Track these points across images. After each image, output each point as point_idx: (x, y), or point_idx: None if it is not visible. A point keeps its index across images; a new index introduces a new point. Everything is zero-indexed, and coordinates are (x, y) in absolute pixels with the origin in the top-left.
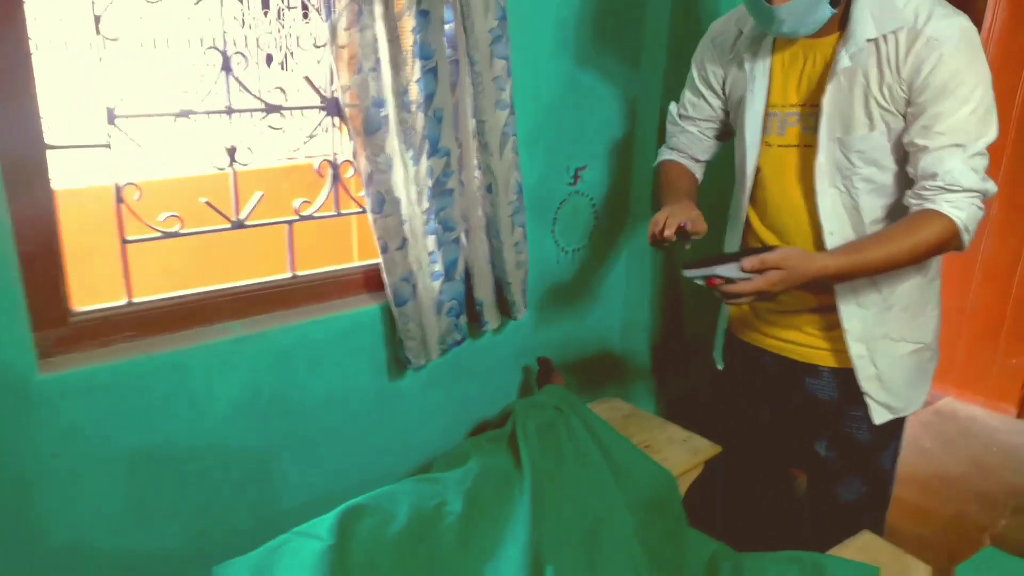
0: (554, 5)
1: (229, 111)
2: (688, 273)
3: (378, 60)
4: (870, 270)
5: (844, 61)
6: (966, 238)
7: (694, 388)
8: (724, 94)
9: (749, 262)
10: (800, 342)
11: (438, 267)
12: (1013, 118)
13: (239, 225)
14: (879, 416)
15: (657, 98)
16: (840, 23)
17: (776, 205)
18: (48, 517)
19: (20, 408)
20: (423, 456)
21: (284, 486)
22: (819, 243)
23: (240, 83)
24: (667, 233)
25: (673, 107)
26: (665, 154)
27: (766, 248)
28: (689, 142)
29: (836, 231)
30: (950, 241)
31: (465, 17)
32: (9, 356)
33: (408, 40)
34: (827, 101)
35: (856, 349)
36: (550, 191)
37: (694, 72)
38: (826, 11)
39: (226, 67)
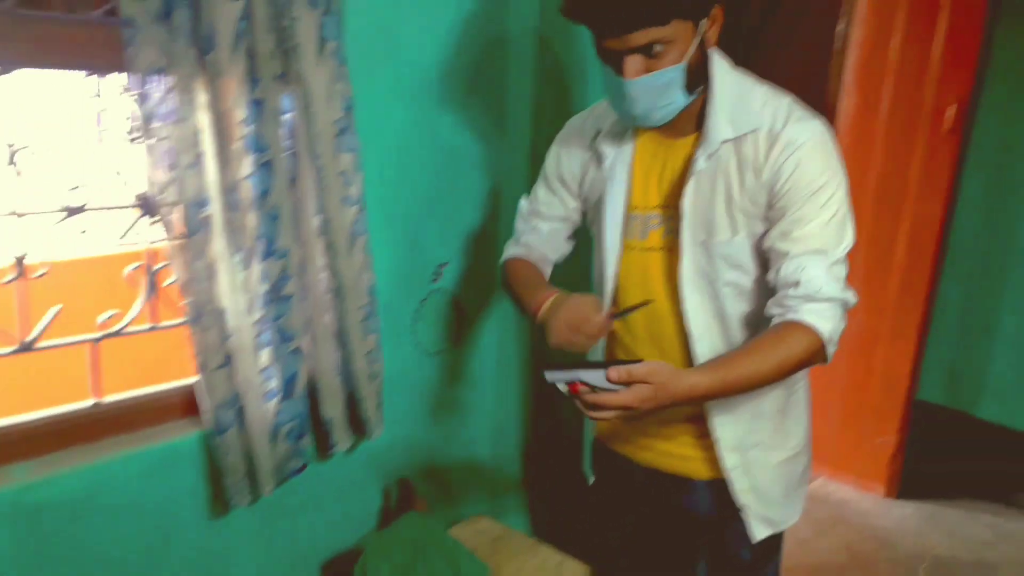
0: (407, 92)
1: (16, 214)
2: (550, 376)
3: (200, 155)
4: (739, 389)
5: (700, 163)
6: (831, 350)
7: (569, 500)
8: (580, 194)
9: (616, 372)
10: (672, 452)
11: (274, 384)
12: (869, 189)
13: (27, 347)
14: (759, 531)
15: (521, 187)
16: (697, 123)
17: (637, 321)
18: None
19: None
20: None
21: None
22: (686, 351)
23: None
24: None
25: (523, 203)
26: (512, 250)
27: (634, 360)
28: (540, 241)
29: (704, 337)
30: (816, 355)
31: (306, 107)
32: None
33: (238, 132)
34: (687, 204)
35: (730, 460)
36: (409, 289)
37: (549, 168)
38: (679, 97)
39: (11, 160)
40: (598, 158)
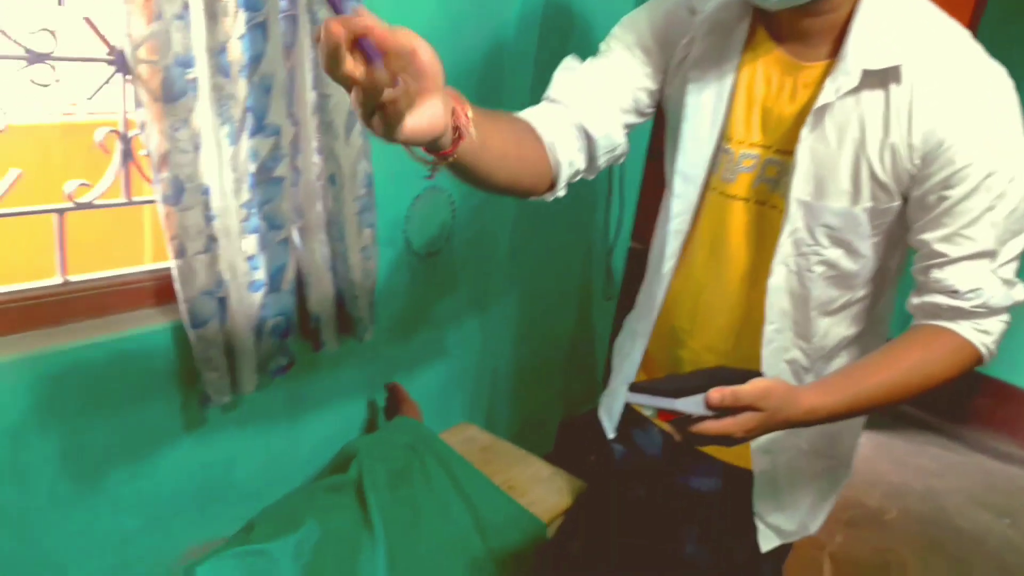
0: None
1: None
2: (635, 399)
3: (186, 6)
4: (868, 409)
5: (829, 95)
6: (988, 361)
7: (558, 412)
8: (659, 90)
9: (719, 397)
10: None
11: (260, 275)
12: None
13: None
14: (767, 541)
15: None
16: (835, 43)
17: (701, 277)
18: None
19: None
20: (239, 516)
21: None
22: (749, 336)
23: None
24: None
25: (571, 59)
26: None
27: (736, 372)
28: (584, 88)
29: (778, 323)
30: (971, 369)
31: None
32: None
33: None
34: (802, 149)
35: (758, 463)
36: (402, 185)
37: (625, 34)
38: None
39: None
40: (693, 60)
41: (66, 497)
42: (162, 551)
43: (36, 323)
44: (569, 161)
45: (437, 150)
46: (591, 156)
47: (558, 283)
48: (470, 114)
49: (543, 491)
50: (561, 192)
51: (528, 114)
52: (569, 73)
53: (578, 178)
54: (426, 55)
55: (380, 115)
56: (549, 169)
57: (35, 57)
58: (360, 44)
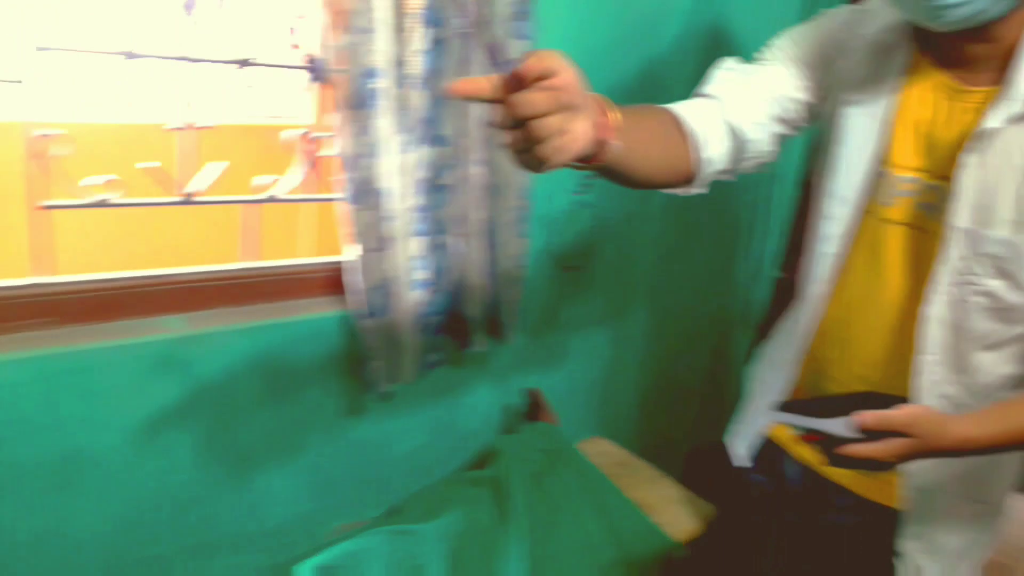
0: None
1: (187, 59)
2: (781, 418)
3: (376, 21)
4: (1021, 442)
5: (994, 123)
6: None
7: (687, 436)
8: (814, 106)
9: (871, 420)
10: None
11: (423, 275)
12: None
13: (187, 200)
14: None
15: None
16: (1000, 68)
17: (853, 303)
18: None
19: None
20: (383, 500)
21: (217, 522)
22: (900, 366)
23: (203, 27)
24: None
25: (730, 60)
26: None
27: (885, 398)
28: (740, 91)
29: (933, 355)
30: None
31: None
32: None
33: (415, 2)
34: (965, 176)
35: (908, 500)
36: (551, 198)
37: (786, 46)
38: None
39: (189, 6)
40: (854, 80)
41: (228, 470)
42: (313, 524)
43: (216, 302)
44: (713, 158)
45: (582, 159)
46: (737, 157)
47: (696, 307)
48: (615, 123)
49: (675, 512)
50: (698, 189)
51: (678, 107)
52: (727, 72)
53: (721, 178)
54: (566, 73)
55: (530, 154)
56: (689, 164)
57: (242, 62)
58: (497, 63)
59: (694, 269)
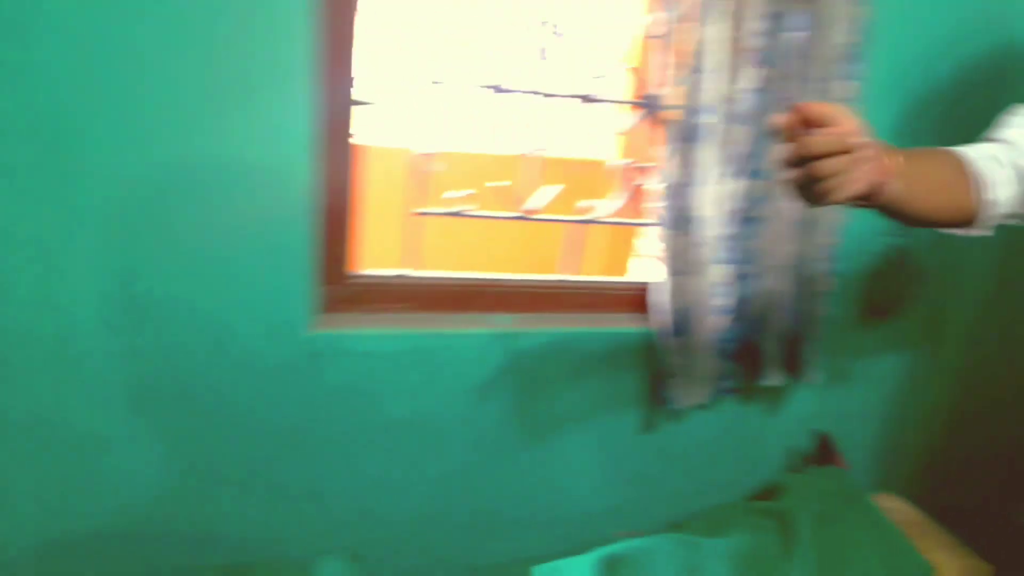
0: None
1: (540, 94)
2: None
3: (712, 62)
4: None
5: None
6: None
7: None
8: None
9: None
10: None
11: (726, 302)
12: None
13: (525, 216)
14: None
15: None
16: None
17: None
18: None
19: (287, 360)
20: (664, 513)
21: (508, 491)
22: None
23: (555, 69)
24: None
25: (1020, 106)
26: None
27: None
28: None
29: None
30: None
31: (818, 26)
32: (286, 309)
33: (750, 43)
34: None
35: None
36: (863, 237)
37: None
38: None
39: (543, 51)
40: None
41: (516, 453)
42: (594, 519)
43: (542, 307)
44: (999, 200)
45: (861, 198)
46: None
47: (1018, 375)
48: (895, 166)
49: None
50: (980, 231)
51: (966, 148)
52: (1019, 118)
53: (1008, 222)
54: (849, 121)
55: (810, 190)
56: (972, 205)
57: (587, 98)
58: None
59: (1021, 327)
